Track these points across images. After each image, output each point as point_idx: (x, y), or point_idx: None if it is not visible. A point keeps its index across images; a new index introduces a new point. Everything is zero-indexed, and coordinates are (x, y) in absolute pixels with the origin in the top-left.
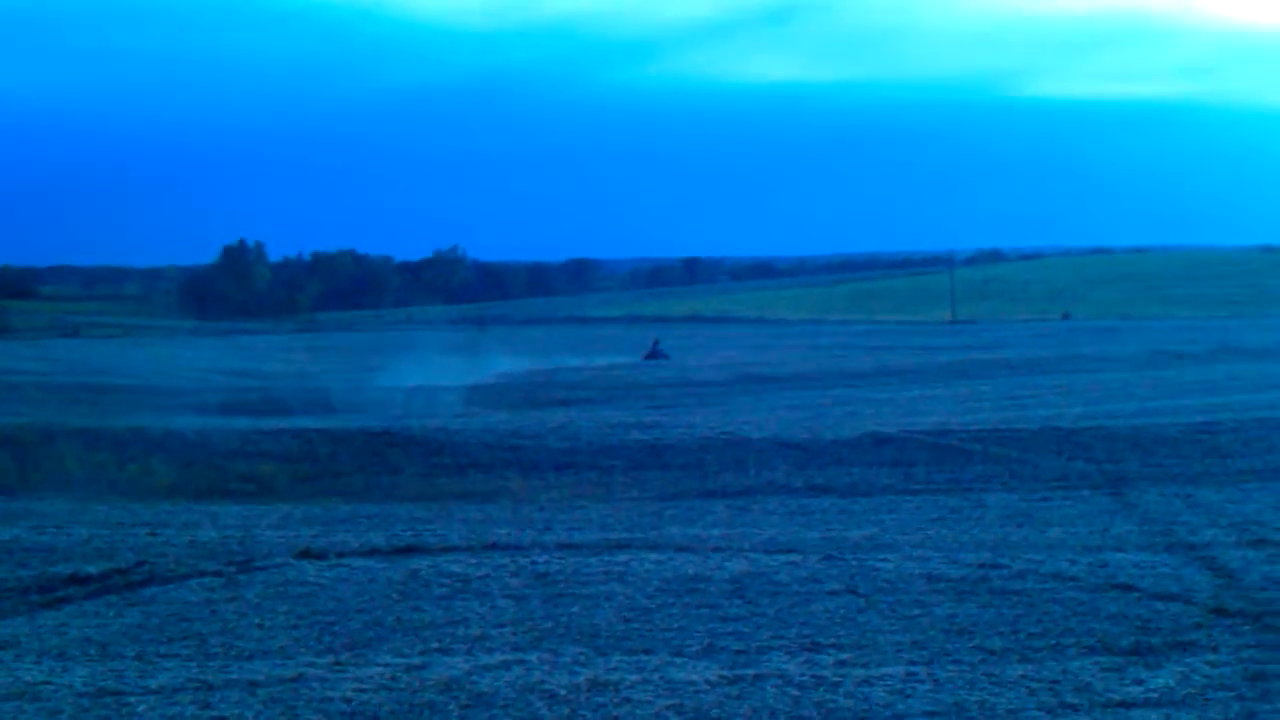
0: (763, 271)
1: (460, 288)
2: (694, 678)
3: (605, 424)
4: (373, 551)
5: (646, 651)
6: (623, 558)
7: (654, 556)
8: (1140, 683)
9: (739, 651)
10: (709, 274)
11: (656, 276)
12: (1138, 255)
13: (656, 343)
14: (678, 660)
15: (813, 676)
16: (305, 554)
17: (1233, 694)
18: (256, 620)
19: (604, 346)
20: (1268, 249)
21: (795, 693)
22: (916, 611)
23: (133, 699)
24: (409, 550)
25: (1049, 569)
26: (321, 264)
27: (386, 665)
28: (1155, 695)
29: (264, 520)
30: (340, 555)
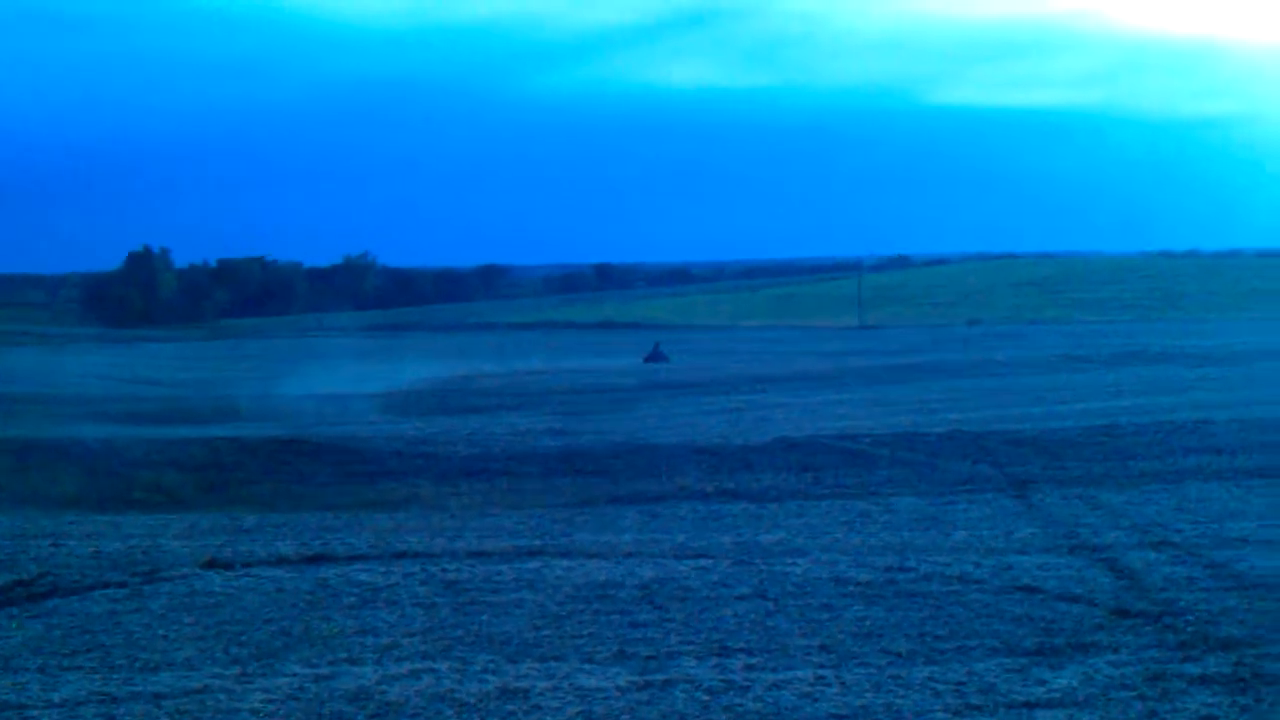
0: (678, 277)
1: (371, 294)
2: (604, 684)
3: (517, 431)
4: (280, 561)
5: (557, 658)
6: (534, 565)
7: (565, 563)
8: (1043, 683)
9: (649, 657)
10: (622, 280)
11: (569, 282)
12: (1043, 260)
13: (657, 345)
14: (588, 666)
15: (722, 681)
16: (211, 564)
17: (1134, 694)
18: (161, 632)
19: (519, 352)
20: (1168, 254)
21: (704, 697)
22: (825, 615)
23: (35, 712)
24: (317, 559)
25: (955, 571)
26: (228, 270)
27: (294, 676)
28: (1058, 695)
29: (169, 530)
30: (247, 565)
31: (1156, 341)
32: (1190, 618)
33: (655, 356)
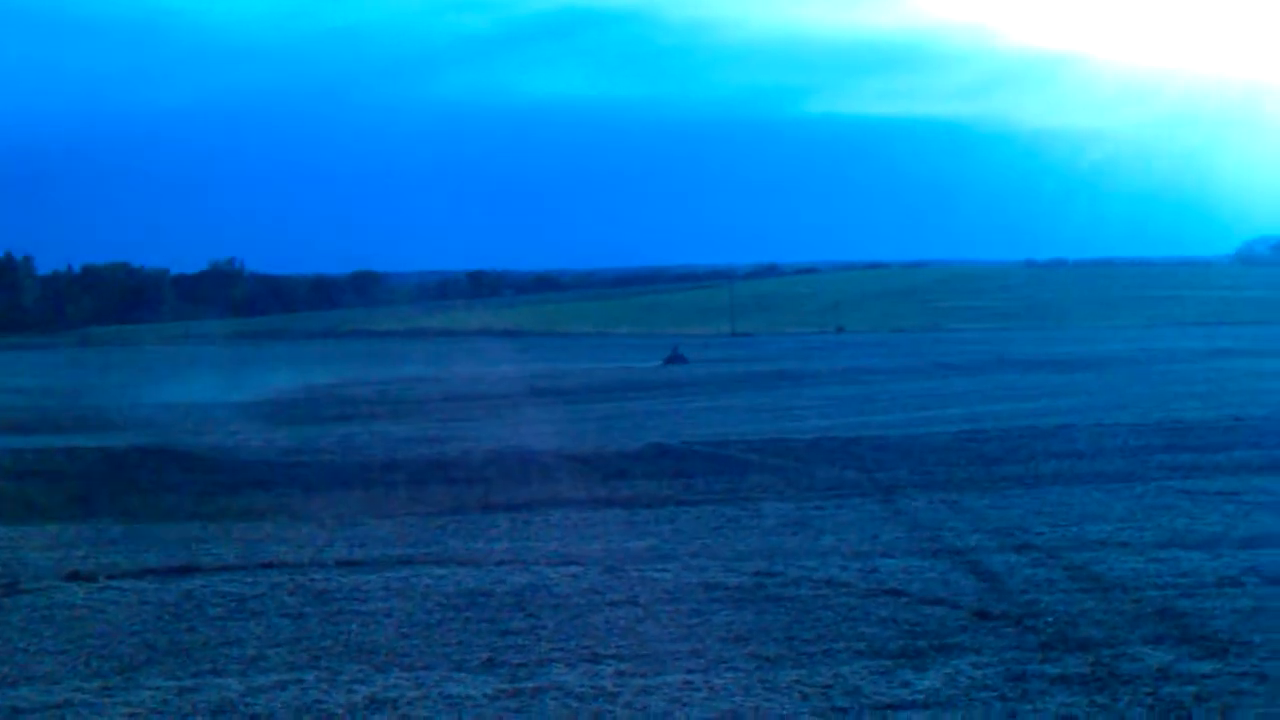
0: (549, 285)
1: (240, 301)
2: (473, 692)
3: (388, 439)
4: (145, 572)
5: (426, 667)
6: (404, 574)
7: (436, 571)
8: (907, 685)
9: (519, 664)
10: (494, 287)
11: (442, 289)
12: (911, 269)
13: (676, 347)
14: (457, 675)
15: (592, 687)
16: (74, 576)
17: (995, 694)
18: (21, 645)
19: (392, 360)
20: (1031, 264)
21: (574, 704)
22: (695, 620)
23: None
24: (183, 571)
25: (822, 575)
26: (93, 277)
27: (157, 689)
28: (921, 697)
29: (31, 542)
30: (111, 577)
31: (1021, 348)
32: (1050, 619)
33: (675, 359)
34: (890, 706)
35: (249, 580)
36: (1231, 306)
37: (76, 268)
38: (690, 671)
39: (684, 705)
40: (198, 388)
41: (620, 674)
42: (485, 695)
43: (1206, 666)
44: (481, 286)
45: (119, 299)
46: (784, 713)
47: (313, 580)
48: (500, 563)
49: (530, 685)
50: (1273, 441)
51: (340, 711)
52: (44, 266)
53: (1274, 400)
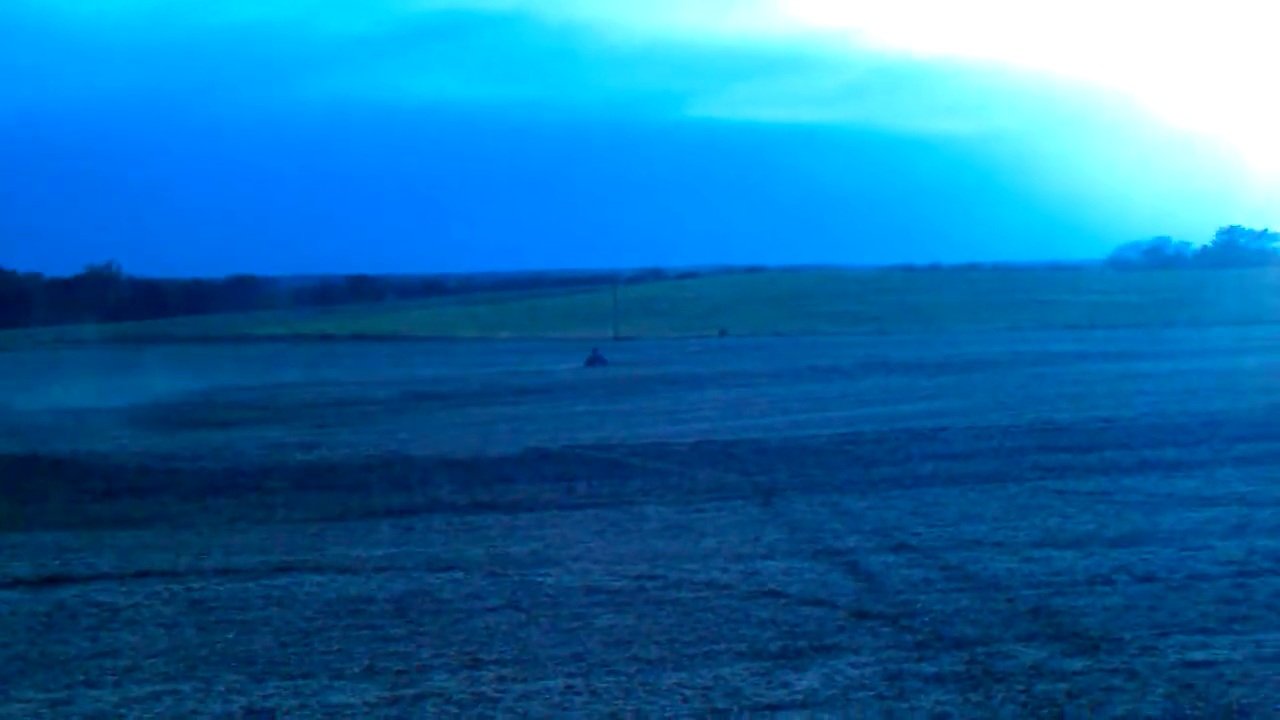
0: (432, 289)
1: (116, 306)
2: (353, 700)
3: (267, 445)
4: (15, 583)
5: (305, 676)
6: (282, 581)
7: (315, 579)
8: (786, 685)
9: (400, 671)
10: (377, 291)
11: (323, 294)
12: (790, 274)
13: (596, 350)
14: (337, 684)
15: (472, 693)
16: None
17: (872, 693)
18: None
19: (271, 365)
20: (909, 268)
21: (455, 710)
22: (576, 624)
23: None
24: (55, 580)
25: (703, 578)
26: None
27: (29, 702)
28: (800, 697)
29: None
30: None
31: (898, 352)
32: (926, 618)
33: (595, 360)
34: (769, 707)
35: (124, 589)
36: (1103, 310)
37: None
38: (571, 676)
39: (565, 710)
40: (71, 393)
41: (501, 679)
42: (365, 704)
43: (1078, 663)
44: (363, 291)
45: None
46: (664, 715)
47: (190, 589)
48: (380, 569)
49: (411, 692)
50: (1141, 442)
51: None
52: None
53: (1143, 402)
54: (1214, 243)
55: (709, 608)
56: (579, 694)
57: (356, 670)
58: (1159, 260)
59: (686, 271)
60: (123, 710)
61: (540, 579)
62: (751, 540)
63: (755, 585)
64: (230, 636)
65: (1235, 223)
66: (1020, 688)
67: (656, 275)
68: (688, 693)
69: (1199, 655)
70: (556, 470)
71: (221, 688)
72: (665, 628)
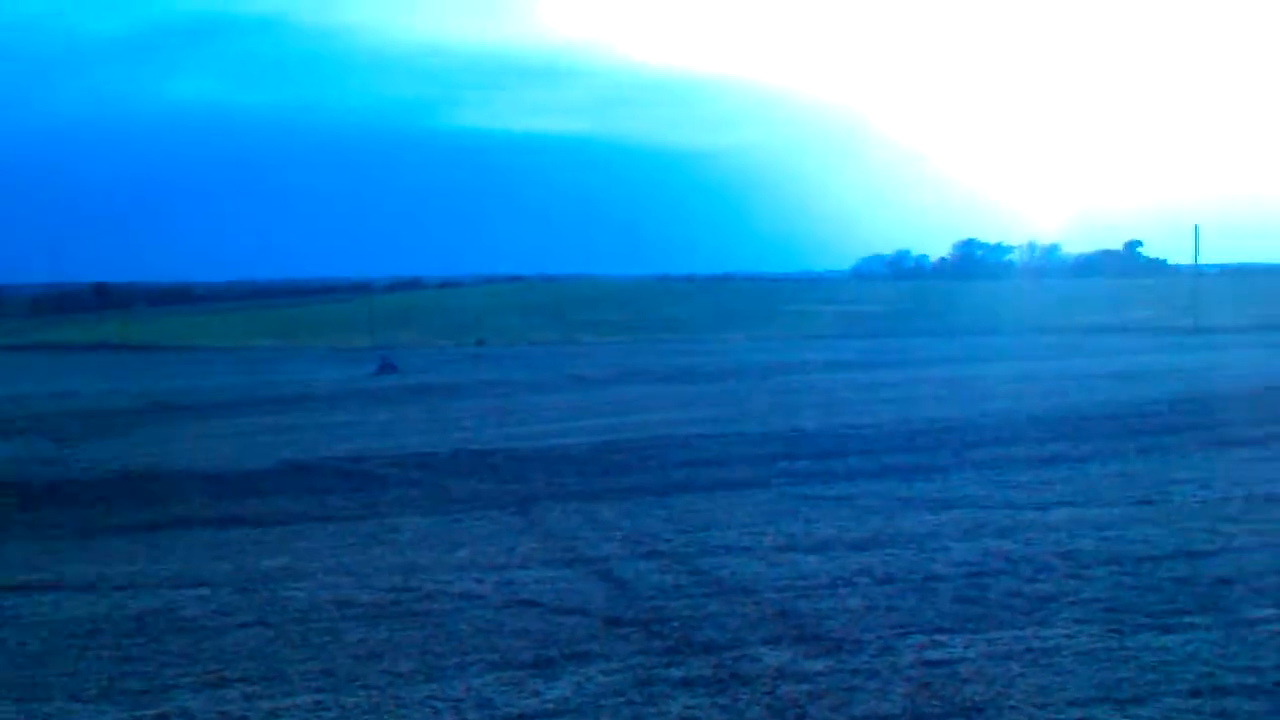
0: (180, 297)
1: None
2: None
3: (0, 460)
4: None
5: (40, 699)
6: (14, 601)
7: (51, 598)
8: (537, 694)
9: (141, 692)
10: (122, 300)
11: (64, 302)
12: (549, 283)
13: (385, 358)
14: (74, 706)
15: (218, 712)
16: None
17: (623, 700)
18: None
19: (4, 376)
20: (665, 278)
21: None
22: (327, 639)
23: None
24: None
25: (458, 589)
26: None
27: None
28: (551, 706)
29: None
30: None
31: (654, 361)
32: (676, 624)
33: (385, 368)
34: (520, 717)
35: None
36: (849, 321)
37: None
38: (320, 691)
39: None
40: None
41: (248, 697)
42: None
43: (821, 664)
44: (108, 299)
45: None
46: None
47: None
48: (121, 587)
49: (152, 713)
50: (882, 448)
51: None
52: None
53: (885, 410)
54: (951, 255)
55: (463, 619)
56: (328, 709)
57: (94, 691)
58: (900, 272)
59: (445, 280)
60: None
61: (290, 594)
62: (507, 550)
63: (509, 595)
64: None
65: (971, 236)
66: (765, 690)
67: (415, 284)
68: (439, 705)
69: (936, 654)
70: (310, 482)
71: None
72: (418, 640)
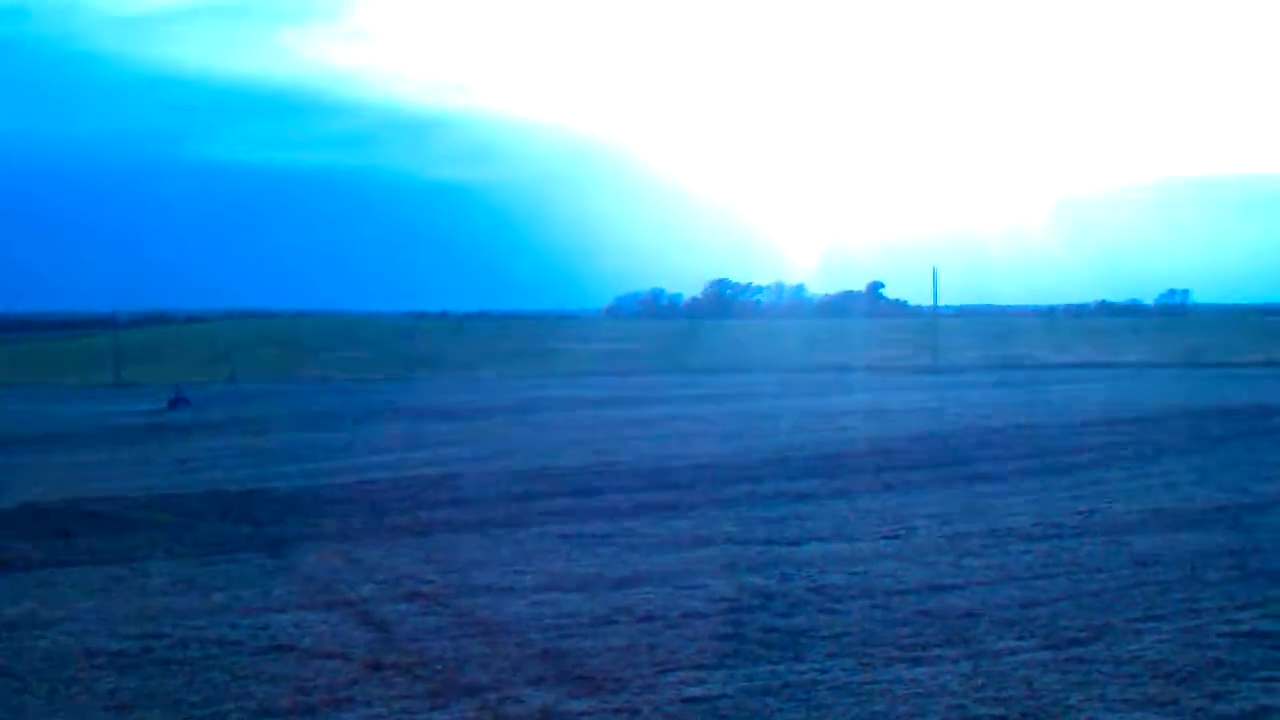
0: None
1: None
2: None
3: None
4: None
5: None
6: None
7: None
8: None
9: None
10: None
11: None
12: (302, 318)
13: (179, 390)
14: None
15: None
16: None
17: None
18: None
19: None
20: (420, 315)
21: None
22: (76, 689)
23: None
24: None
25: (212, 635)
26: None
27: None
28: None
29: None
30: None
31: (409, 399)
32: (439, 666)
33: (178, 402)
34: None
35: None
36: (605, 358)
37: None
38: None
39: None
40: None
41: None
42: None
43: (584, 704)
44: None
45: None
46: None
47: None
48: None
49: None
50: (639, 486)
51: None
52: None
53: (643, 447)
54: (703, 294)
55: (218, 666)
56: None
57: None
58: (654, 310)
59: (193, 315)
60: None
61: (35, 643)
62: (262, 593)
63: (266, 640)
64: None
65: (723, 276)
66: None
67: (161, 318)
68: None
69: (696, 690)
70: (53, 526)
71: None
72: (172, 689)
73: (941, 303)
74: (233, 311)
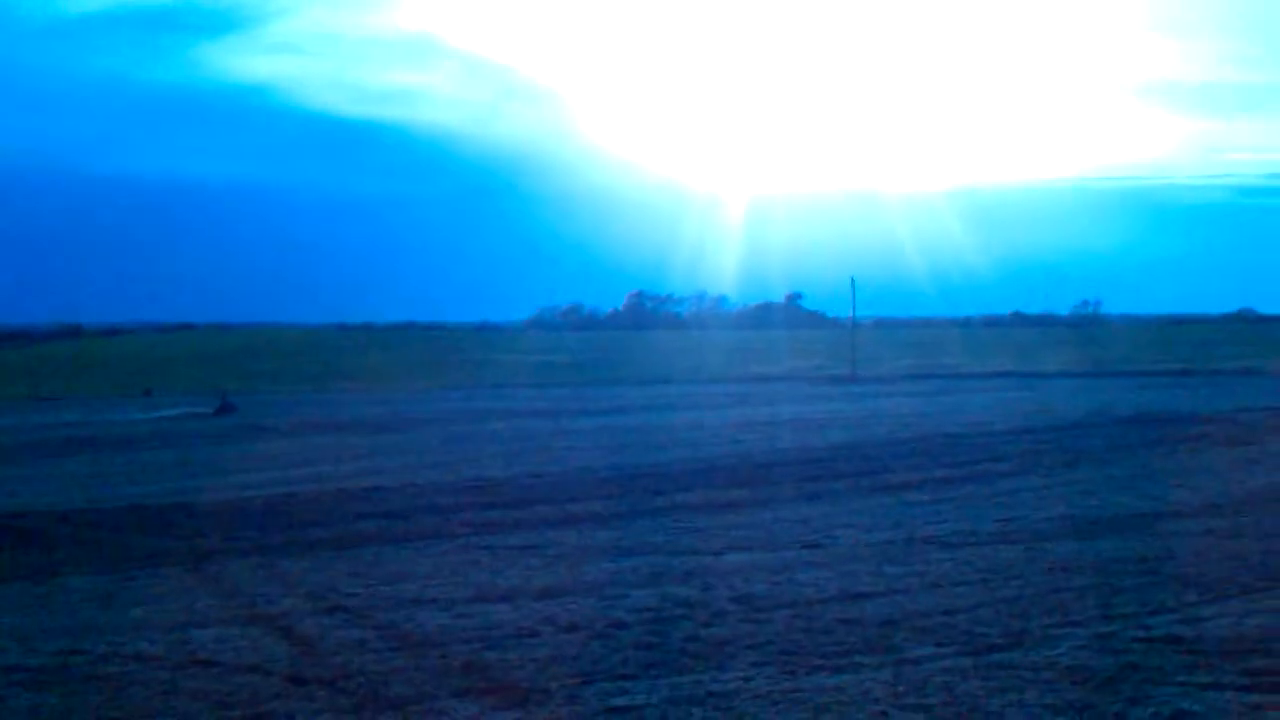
0: None
1: None
2: None
3: None
4: None
5: None
6: None
7: None
8: None
9: None
10: None
11: None
12: (222, 331)
13: (225, 395)
14: None
15: None
16: None
17: None
18: None
19: None
20: (343, 327)
21: None
22: None
23: None
24: None
25: (132, 650)
26: None
27: None
28: None
29: None
30: None
31: (333, 411)
32: (362, 680)
33: (225, 408)
34: None
35: None
36: (529, 369)
37: None
38: None
39: None
40: None
41: None
42: None
43: (508, 716)
44: None
45: None
46: None
47: None
48: None
49: None
50: (566, 497)
51: None
52: None
53: (568, 458)
54: (624, 306)
55: (138, 681)
56: None
57: None
58: (576, 322)
59: (110, 328)
60: None
61: None
62: (183, 608)
63: (186, 655)
64: None
65: (642, 287)
66: None
67: (76, 332)
68: None
69: (621, 701)
70: None
71: None
72: (91, 706)
73: (859, 313)
74: (151, 324)
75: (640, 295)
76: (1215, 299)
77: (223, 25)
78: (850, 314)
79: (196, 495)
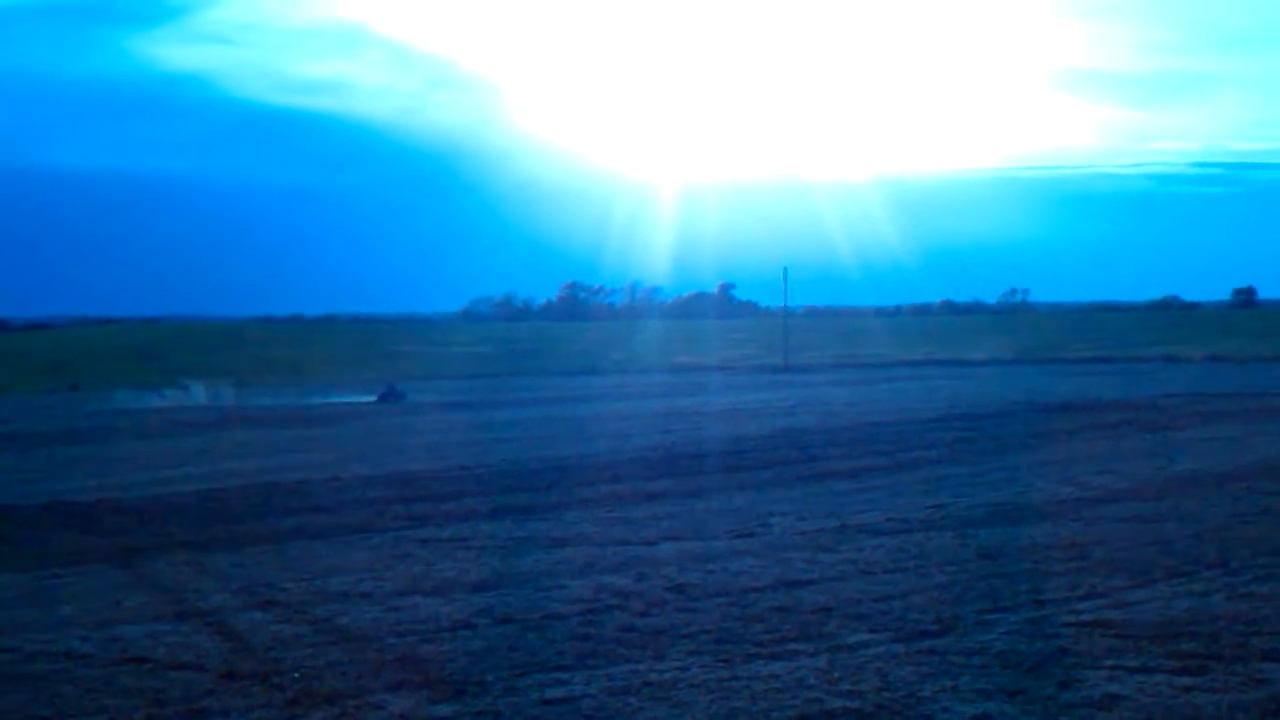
0: None
1: None
2: None
3: None
4: None
5: None
6: None
7: None
8: None
9: None
10: None
11: None
12: (147, 325)
13: (391, 385)
14: None
15: None
16: None
17: None
18: None
19: None
20: (269, 320)
21: None
22: None
23: None
24: None
25: (61, 648)
26: None
27: None
28: None
29: None
30: None
31: (255, 404)
32: (296, 674)
33: (390, 395)
34: None
35: None
36: (459, 361)
37: None
38: None
39: None
40: None
41: None
42: None
43: (445, 709)
44: None
45: None
46: None
47: None
48: None
49: None
50: (496, 489)
51: None
52: None
53: (499, 450)
54: (556, 297)
55: (68, 679)
56: None
57: None
58: (508, 313)
59: (32, 322)
60: None
61: None
62: (112, 605)
63: (117, 652)
64: None
65: (575, 278)
66: None
67: (2, 327)
68: None
69: (557, 692)
70: None
71: None
72: (20, 704)
73: (791, 303)
74: (74, 318)
75: (574, 286)
76: (1140, 287)
77: (151, 16)
78: (783, 303)
79: (123, 491)
